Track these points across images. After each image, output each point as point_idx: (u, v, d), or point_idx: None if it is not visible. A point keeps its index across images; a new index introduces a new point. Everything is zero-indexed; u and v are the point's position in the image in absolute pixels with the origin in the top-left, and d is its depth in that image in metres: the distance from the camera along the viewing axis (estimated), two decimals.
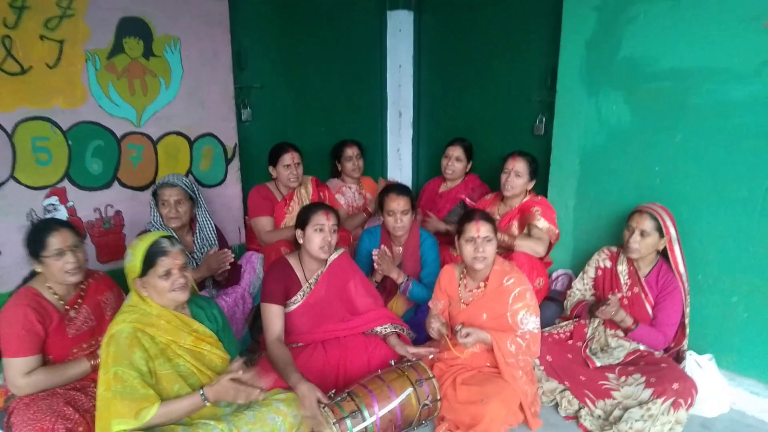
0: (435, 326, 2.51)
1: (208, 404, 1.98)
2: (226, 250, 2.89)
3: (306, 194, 3.52)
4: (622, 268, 2.79)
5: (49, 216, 2.85)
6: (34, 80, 2.71)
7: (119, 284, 2.50)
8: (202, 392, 1.97)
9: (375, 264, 2.93)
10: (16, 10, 2.60)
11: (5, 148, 2.69)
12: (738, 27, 2.58)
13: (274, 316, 2.52)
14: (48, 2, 2.68)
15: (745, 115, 2.61)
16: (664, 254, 2.73)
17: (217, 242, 3.07)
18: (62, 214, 2.90)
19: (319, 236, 2.56)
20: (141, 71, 3.00)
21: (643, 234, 2.64)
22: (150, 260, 2.01)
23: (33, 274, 2.33)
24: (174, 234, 2.85)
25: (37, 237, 2.23)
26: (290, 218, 3.42)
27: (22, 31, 2.64)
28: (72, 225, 2.31)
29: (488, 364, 2.48)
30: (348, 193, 3.86)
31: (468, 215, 2.54)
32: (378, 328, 2.65)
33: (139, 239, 2.08)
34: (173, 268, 2.03)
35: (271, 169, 3.42)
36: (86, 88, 2.86)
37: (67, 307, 2.30)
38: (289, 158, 3.36)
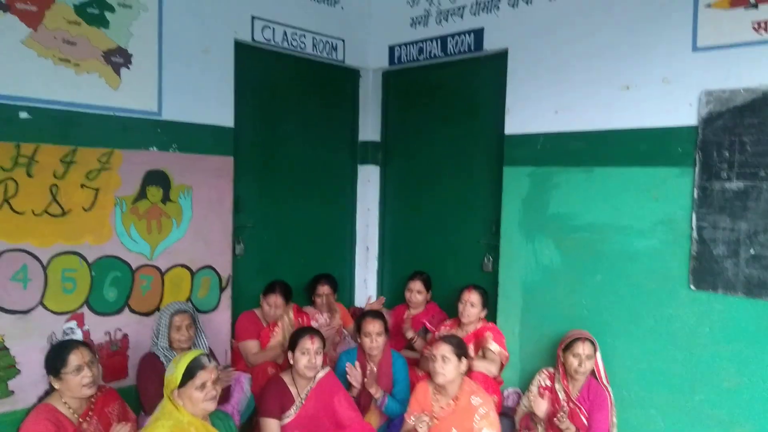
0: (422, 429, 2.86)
1: None
2: (231, 368, 3.26)
3: (288, 320, 3.96)
4: (559, 387, 3.28)
5: (66, 338, 3.15)
6: (71, 221, 3.16)
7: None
8: None
9: (348, 376, 3.30)
10: (66, 164, 3.12)
11: (39, 278, 3.07)
12: (635, 196, 3.31)
13: (272, 430, 2.90)
14: (91, 159, 3.20)
15: (647, 261, 3.29)
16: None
17: None
18: (78, 337, 3.21)
19: (305, 358, 3.00)
20: (158, 213, 3.49)
21: (588, 358, 3.15)
22: (190, 373, 2.37)
23: (47, 393, 2.59)
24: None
25: (58, 355, 2.50)
26: (274, 341, 3.83)
27: (67, 181, 3.14)
28: (87, 344, 2.63)
29: None
30: (321, 320, 4.31)
31: (435, 339, 3.07)
32: None
33: (181, 355, 2.45)
34: (208, 381, 2.39)
35: (261, 298, 3.88)
36: (112, 227, 3.31)
37: (80, 419, 2.53)
38: (273, 300, 3.85)
